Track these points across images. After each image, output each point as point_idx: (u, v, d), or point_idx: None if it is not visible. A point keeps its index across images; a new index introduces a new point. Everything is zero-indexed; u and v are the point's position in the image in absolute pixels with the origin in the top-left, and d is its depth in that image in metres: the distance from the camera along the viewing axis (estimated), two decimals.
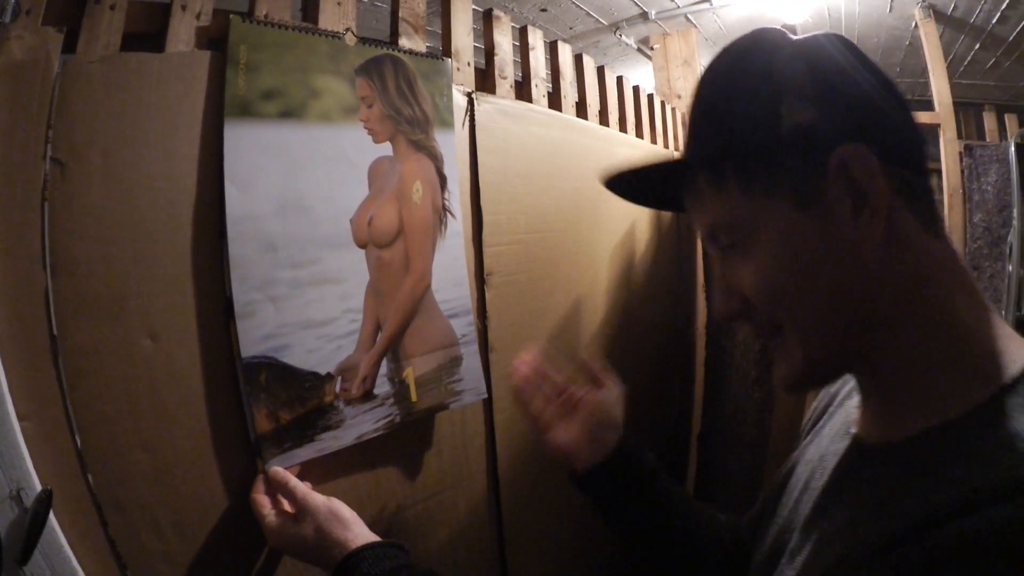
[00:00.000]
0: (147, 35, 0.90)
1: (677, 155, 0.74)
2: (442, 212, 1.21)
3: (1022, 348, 0.62)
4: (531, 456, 1.46)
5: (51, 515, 0.73)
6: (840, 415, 0.81)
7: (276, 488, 0.94)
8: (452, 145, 1.25)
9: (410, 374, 1.13)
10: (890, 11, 3.42)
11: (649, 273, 2.18)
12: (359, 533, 0.89)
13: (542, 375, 1.05)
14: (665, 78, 3.07)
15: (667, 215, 2.34)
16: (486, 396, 1.28)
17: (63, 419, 0.78)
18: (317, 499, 0.92)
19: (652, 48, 3.18)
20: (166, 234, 0.88)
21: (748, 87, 0.67)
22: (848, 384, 0.85)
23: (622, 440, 1.00)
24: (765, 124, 0.64)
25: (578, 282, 1.70)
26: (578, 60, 1.89)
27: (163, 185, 0.87)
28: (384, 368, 1.09)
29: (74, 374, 0.79)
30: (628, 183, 0.80)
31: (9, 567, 0.70)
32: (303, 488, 0.93)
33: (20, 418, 0.74)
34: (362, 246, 1.07)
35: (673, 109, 2.63)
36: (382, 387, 1.08)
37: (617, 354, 1.87)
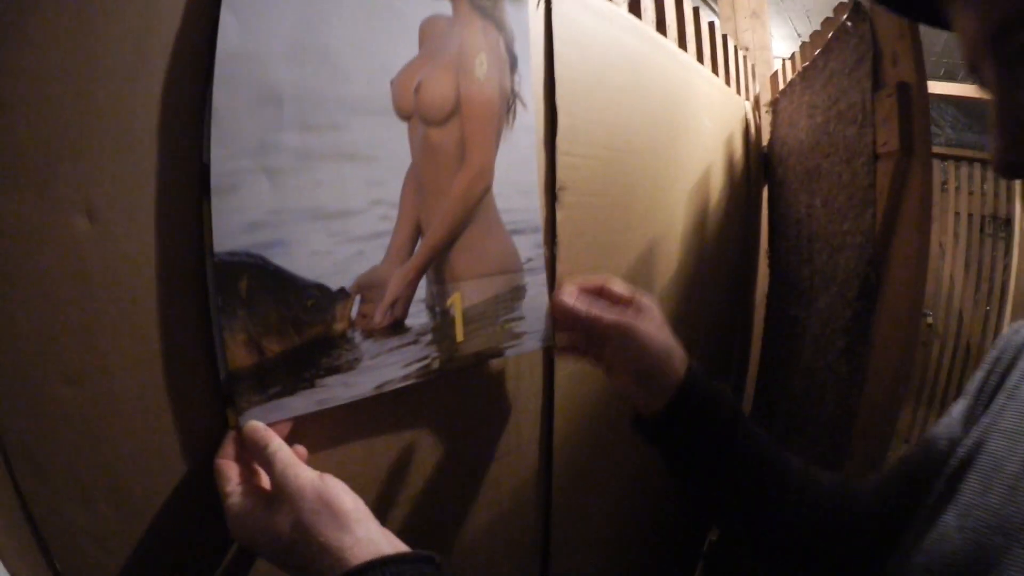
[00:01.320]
0: None
1: None
2: (510, 97, 0.83)
3: None
4: (591, 426, 1.12)
5: None
6: None
7: (250, 453, 0.58)
8: (524, 21, 0.87)
9: (457, 303, 0.76)
10: None
11: (721, 228, 1.82)
12: (363, 537, 0.53)
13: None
14: (732, 29, 2.73)
15: (739, 163, 1.98)
16: (552, 343, 0.89)
17: None
18: (303, 477, 0.55)
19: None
20: (127, 70, 0.52)
21: None
22: None
23: (688, 378, 0.77)
24: None
25: (654, 221, 1.34)
26: None
27: (132, 5, 0.52)
28: (422, 291, 0.72)
29: None
30: None
31: None
32: (287, 457, 0.56)
33: None
34: (405, 117, 0.70)
35: (744, 57, 2.27)
36: (418, 318, 0.72)
37: (684, 314, 1.53)
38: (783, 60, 2.37)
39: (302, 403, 0.61)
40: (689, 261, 1.54)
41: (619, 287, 0.82)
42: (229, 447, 0.58)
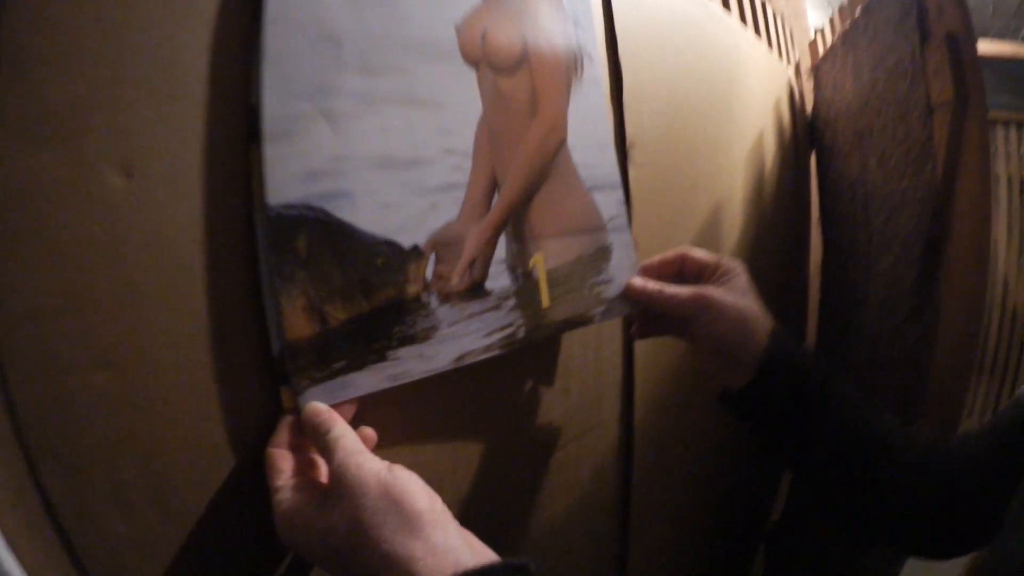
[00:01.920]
0: None
1: None
2: (577, 50, 0.73)
3: None
4: (671, 396, 1.03)
5: None
6: None
7: (309, 439, 0.49)
8: None
9: (540, 263, 0.66)
10: None
11: (776, 195, 1.72)
12: (439, 544, 0.41)
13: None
14: None
15: (787, 129, 1.88)
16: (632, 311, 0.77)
17: None
18: (367, 468, 0.44)
19: None
20: (168, 10, 0.44)
21: None
22: None
23: (772, 348, 0.68)
24: None
25: (718, 183, 1.24)
26: None
27: None
28: (502, 251, 0.62)
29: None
30: None
31: None
32: (351, 444, 0.46)
33: None
34: (473, 64, 0.61)
35: (784, 23, 2.17)
36: (498, 281, 0.62)
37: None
38: (816, 30, 2.29)
39: (372, 379, 0.51)
40: (750, 228, 1.44)
41: (700, 254, 0.73)
42: (284, 434, 0.48)
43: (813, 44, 2.35)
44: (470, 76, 0.61)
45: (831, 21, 2.24)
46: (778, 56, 1.99)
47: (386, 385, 0.52)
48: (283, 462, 0.47)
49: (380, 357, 0.52)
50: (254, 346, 0.48)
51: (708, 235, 1.17)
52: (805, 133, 2.13)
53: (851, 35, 1.79)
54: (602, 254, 0.72)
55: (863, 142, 1.72)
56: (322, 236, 0.48)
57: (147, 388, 0.43)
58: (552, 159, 0.68)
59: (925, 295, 1.40)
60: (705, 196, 1.16)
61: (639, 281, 0.72)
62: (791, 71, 2.13)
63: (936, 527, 0.66)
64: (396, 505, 0.42)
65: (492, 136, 0.61)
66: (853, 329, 1.77)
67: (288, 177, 0.46)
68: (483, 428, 0.68)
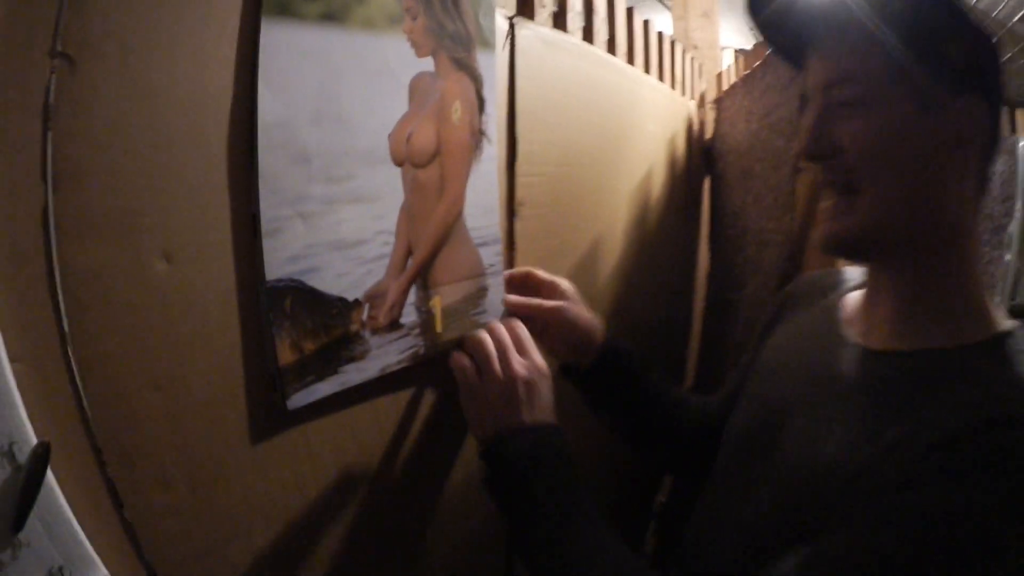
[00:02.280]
0: None
1: None
2: (479, 136, 1.04)
3: (1001, 317, 0.71)
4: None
5: (49, 472, 0.56)
6: (810, 317, 0.92)
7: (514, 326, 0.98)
8: (492, 67, 1.07)
9: (437, 303, 0.97)
10: None
11: (661, 220, 2.04)
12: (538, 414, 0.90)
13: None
14: (683, 28, 2.94)
15: (681, 159, 2.19)
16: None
17: (61, 359, 0.59)
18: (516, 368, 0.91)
19: None
20: (188, 142, 0.69)
21: None
22: (805, 290, 1.01)
23: (606, 344, 1.08)
24: (956, 17, 0.66)
25: (598, 221, 1.56)
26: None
27: (188, 87, 0.68)
28: (412, 296, 0.94)
29: (75, 305, 0.60)
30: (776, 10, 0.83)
31: (2, 534, 0.52)
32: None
33: (11, 360, 0.55)
34: (399, 164, 0.91)
35: (692, 59, 2.47)
36: (408, 316, 0.93)
37: (630, 296, 1.75)
38: (734, 54, 2.55)
39: (329, 386, 0.82)
40: (630, 251, 1.75)
41: (541, 275, 1.11)
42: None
43: (719, 77, 2.63)
44: (396, 173, 0.91)
45: (737, 60, 2.53)
46: (681, 92, 2.28)
47: (337, 389, 0.83)
48: (464, 360, 0.94)
49: (334, 372, 0.82)
50: (262, 372, 0.77)
51: (585, 265, 1.48)
52: (701, 160, 2.43)
53: (750, 80, 2.06)
54: (482, 292, 1.05)
55: (746, 180, 2.03)
56: (300, 298, 0.78)
57: (186, 403, 0.69)
58: (452, 228, 0.99)
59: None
60: (584, 234, 1.47)
61: (514, 297, 1.06)
62: (694, 104, 2.41)
63: (695, 457, 1.05)
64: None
65: (409, 215, 0.92)
66: (727, 336, 2.10)
67: (277, 261, 0.76)
68: (400, 418, 0.99)
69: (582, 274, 1.44)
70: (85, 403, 0.61)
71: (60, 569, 0.55)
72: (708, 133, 2.50)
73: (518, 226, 1.18)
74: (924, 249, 0.72)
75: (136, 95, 0.64)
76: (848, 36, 0.72)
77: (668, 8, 3.22)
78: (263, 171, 0.75)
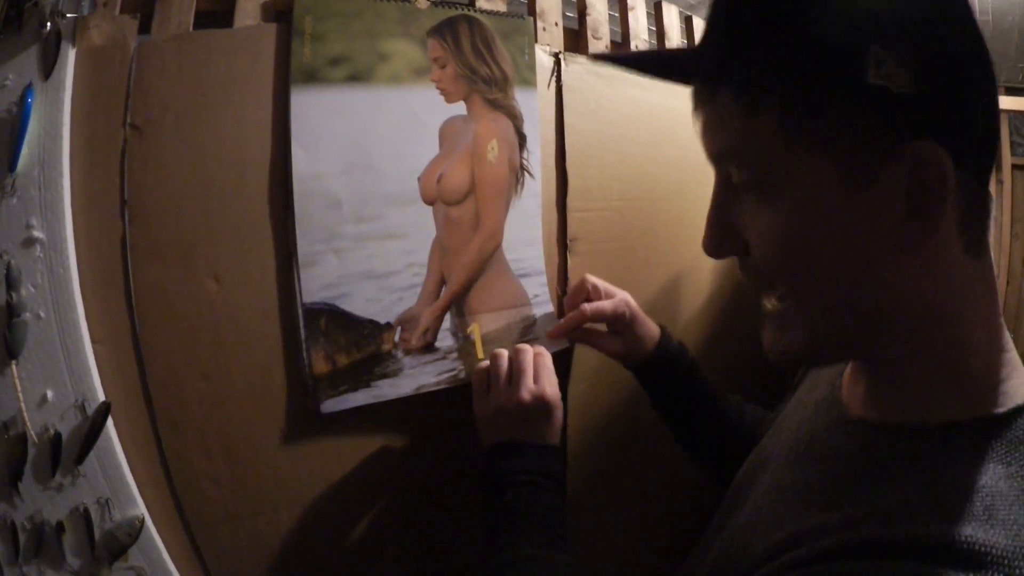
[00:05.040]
0: (217, 13, 1.02)
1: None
2: (519, 171, 1.26)
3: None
4: (602, 438, 1.48)
5: (110, 426, 0.90)
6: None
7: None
8: (534, 104, 1.28)
9: (476, 330, 1.19)
10: None
11: None
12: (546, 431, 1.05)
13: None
14: None
15: None
16: (566, 345, 1.28)
17: (131, 347, 0.95)
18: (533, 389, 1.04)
19: None
20: (233, 190, 1.00)
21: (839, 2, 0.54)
22: None
23: (663, 337, 1.20)
24: (846, 62, 0.53)
25: (680, 255, 1.68)
26: (688, 22, 1.85)
27: (231, 147, 1.00)
28: (447, 323, 1.16)
29: (143, 309, 0.95)
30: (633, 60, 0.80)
31: (66, 464, 0.88)
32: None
33: (93, 341, 0.91)
34: (429, 203, 1.14)
35: None
36: (445, 341, 1.15)
37: (721, 337, 1.86)
38: None
39: (362, 397, 1.05)
40: (723, 291, 1.88)
41: (595, 281, 1.24)
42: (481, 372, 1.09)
43: None
44: (427, 211, 1.14)
45: None
46: None
47: (372, 400, 1.06)
48: (483, 372, 1.07)
49: (367, 384, 1.05)
50: (292, 376, 1.03)
51: (661, 302, 1.63)
52: None
53: None
54: (528, 321, 1.25)
55: None
56: (333, 319, 1.02)
57: (227, 391, 0.98)
58: (488, 260, 1.21)
59: None
60: (661, 270, 1.62)
61: (587, 305, 1.20)
62: None
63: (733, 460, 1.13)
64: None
65: (442, 249, 1.14)
66: None
67: (313, 288, 1.01)
68: (439, 434, 1.21)
69: (658, 312, 1.51)
70: (147, 380, 0.95)
71: (107, 501, 0.90)
72: None
73: (572, 261, 1.37)
74: (896, 342, 0.62)
75: (189, 154, 0.97)
76: (719, 96, 0.62)
77: None
78: (299, 215, 1.01)
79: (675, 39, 1.77)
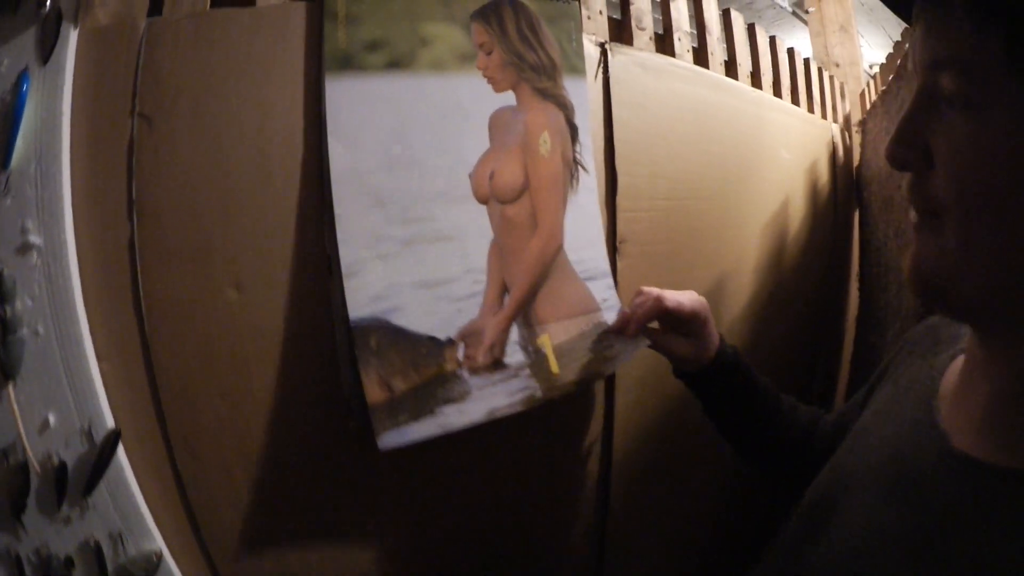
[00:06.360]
0: None
1: None
2: (573, 166, 1.12)
3: None
4: (649, 443, 1.40)
5: (120, 453, 0.79)
6: (913, 376, 0.80)
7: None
8: (584, 93, 1.16)
9: (547, 342, 1.03)
10: None
11: (801, 256, 2.03)
12: None
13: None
14: (822, 44, 2.92)
15: (824, 188, 2.17)
16: (646, 344, 1.11)
17: (141, 363, 0.82)
18: None
19: (808, 12, 3.06)
20: (256, 186, 0.86)
21: None
22: (920, 338, 0.89)
23: (723, 342, 1.13)
24: None
25: (723, 257, 1.59)
26: (725, 15, 1.77)
27: (254, 138, 0.86)
28: (515, 335, 1.00)
29: (155, 320, 0.82)
30: None
31: (73, 496, 0.76)
32: None
33: (99, 358, 0.78)
34: (483, 201, 1.00)
35: (831, 77, 2.48)
36: (514, 356, 0.99)
37: (760, 340, 1.77)
38: (875, 74, 2.54)
39: (427, 428, 0.88)
40: (763, 293, 1.77)
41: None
42: None
43: (863, 95, 2.63)
44: (481, 210, 0.99)
45: (874, 76, 2.52)
46: (821, 115, 2.28)
47: (437, 431, 0.89)
48: None
49: (431, 412, 0.88)
50: (325, 397, 0.89)
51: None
52: (849, 188, 2.40)
53: (887, 97, 2.03)
54: (599, 328, 1.10)
55: (887, 211, 1.96)
56: (386, 336, 0.85)
57: (250, 410, 0.86)
58: (550, 263, 1.05)
59: None
60: (705, 271, 1.51)
61: (667, 293, 1.09)
62: (838, 127, 2.40)
63: (795, 469, 1.07)
64: None
65: (501, 252, 0.99)
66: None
67: (360, 301, 0.85)
68: (514, 462, 1.08)
69: None
70: (160, 400, 0.82)
71: (120, 534, 0.78)
72: (856, 159, 2.48)
73: (621, 264, 1.23)
74: None
75: (206, 145, 0.84)
76: (951, 2, 0.56)
77: (806, 23, 3.26)
78: (339, 218, 0.86)
79: (715, 32, 1.70)
